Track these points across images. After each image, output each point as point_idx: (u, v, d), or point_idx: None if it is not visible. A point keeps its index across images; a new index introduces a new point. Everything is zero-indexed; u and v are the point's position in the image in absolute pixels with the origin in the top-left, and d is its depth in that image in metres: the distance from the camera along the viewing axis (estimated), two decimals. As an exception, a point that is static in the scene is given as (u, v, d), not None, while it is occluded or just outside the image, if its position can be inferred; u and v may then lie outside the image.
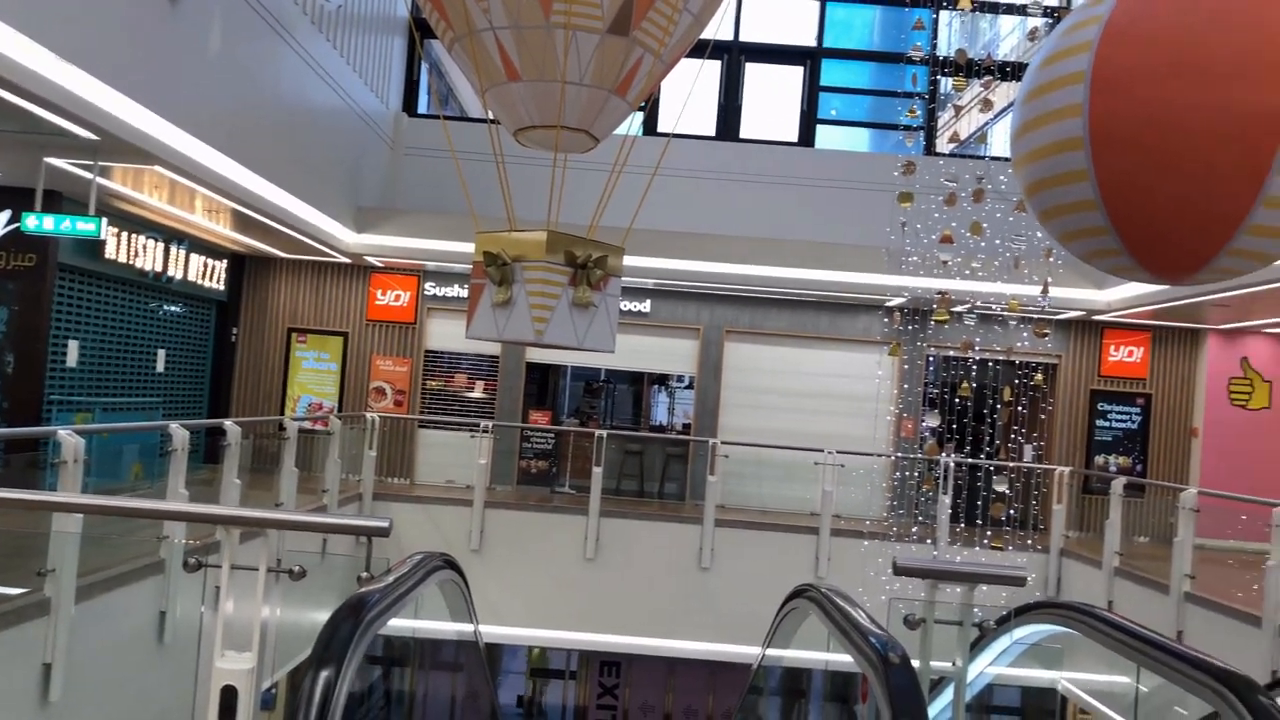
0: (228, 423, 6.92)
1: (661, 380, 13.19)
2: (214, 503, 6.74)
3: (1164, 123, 3.92)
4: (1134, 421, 11.85)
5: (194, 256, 10.43)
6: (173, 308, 10.60)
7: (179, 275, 10.11)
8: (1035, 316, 9.49)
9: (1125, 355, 11.86)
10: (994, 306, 9.04)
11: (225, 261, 11.26)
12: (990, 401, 9.85)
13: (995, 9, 9.13)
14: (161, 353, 10.34)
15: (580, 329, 7.39)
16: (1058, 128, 4.21)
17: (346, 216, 10.48)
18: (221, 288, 11.26)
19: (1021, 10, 8.56)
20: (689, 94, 8.47)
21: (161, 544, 5.73)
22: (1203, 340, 11.85)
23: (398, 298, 11.83)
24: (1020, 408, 9.67)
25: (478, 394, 12.10)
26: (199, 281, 10.65)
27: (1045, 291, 8.54)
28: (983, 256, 8.99)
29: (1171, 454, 11.87)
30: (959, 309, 10.39)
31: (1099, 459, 11.80)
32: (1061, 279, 10.10)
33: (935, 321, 8.71)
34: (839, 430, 11.56)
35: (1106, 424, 11.84)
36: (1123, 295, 10.51)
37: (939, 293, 8.50)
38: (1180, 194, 4.02)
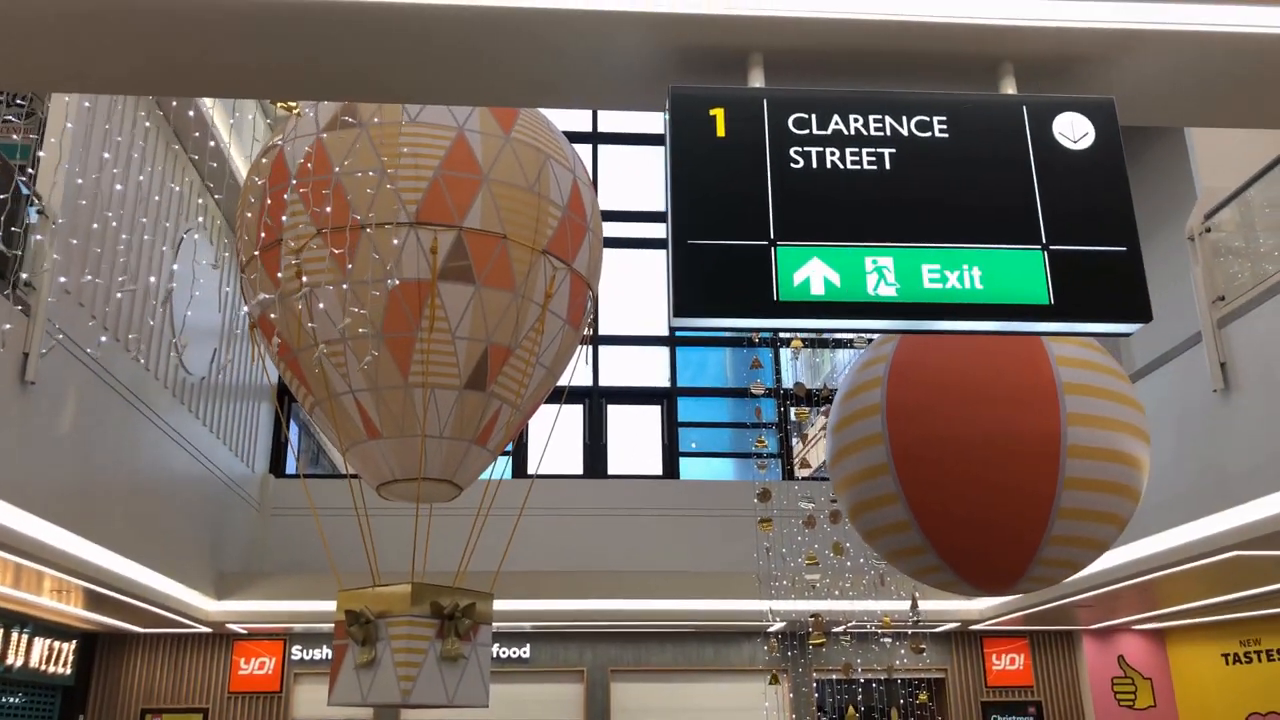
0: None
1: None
2: None
3: (955, 448, 4.30)
4: (1029, 731, 11.71)
5: (38, 640, 9.81)
6: (10, 699, 9.78)
7: (19, 663, 9.43)
8: (910, 631, 9.59)
9: (1008, 664, 11.92)
10: (868, 625, 9.13)
11: (74, 642, 10.60)
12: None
13: (824, 344, 10.01)
14: (-7, 751, 9.43)
15: (450, 685, 7.16)
16: (865, 455, 4.56)
17: (207, 584, 10.14)
18: (68, 671, 10.50)
19: (849, 344, 9.41)
20: (549, 437, 8.81)
21: None
22: (1079, 641, 12.06)
23: (262, 665, 11.21)
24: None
25: (351, 765, 11.24)
26: (42, 668, 9.94)
27: (914, 606, 8.72)
28: (849, 575, 9.20)
29: (1071, 762, 11.67)
30: (836, 630, 10.43)
31: (1002, 775, 11.50)
32: (930, 591, 10.32)
33: (812, 645, 8.72)
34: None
35: (1002, 736, 11.66)
36: (992, 603, 10.76)
37: (812, 615, 8.59)
38: (982, 512, 4.33)
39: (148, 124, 8.19)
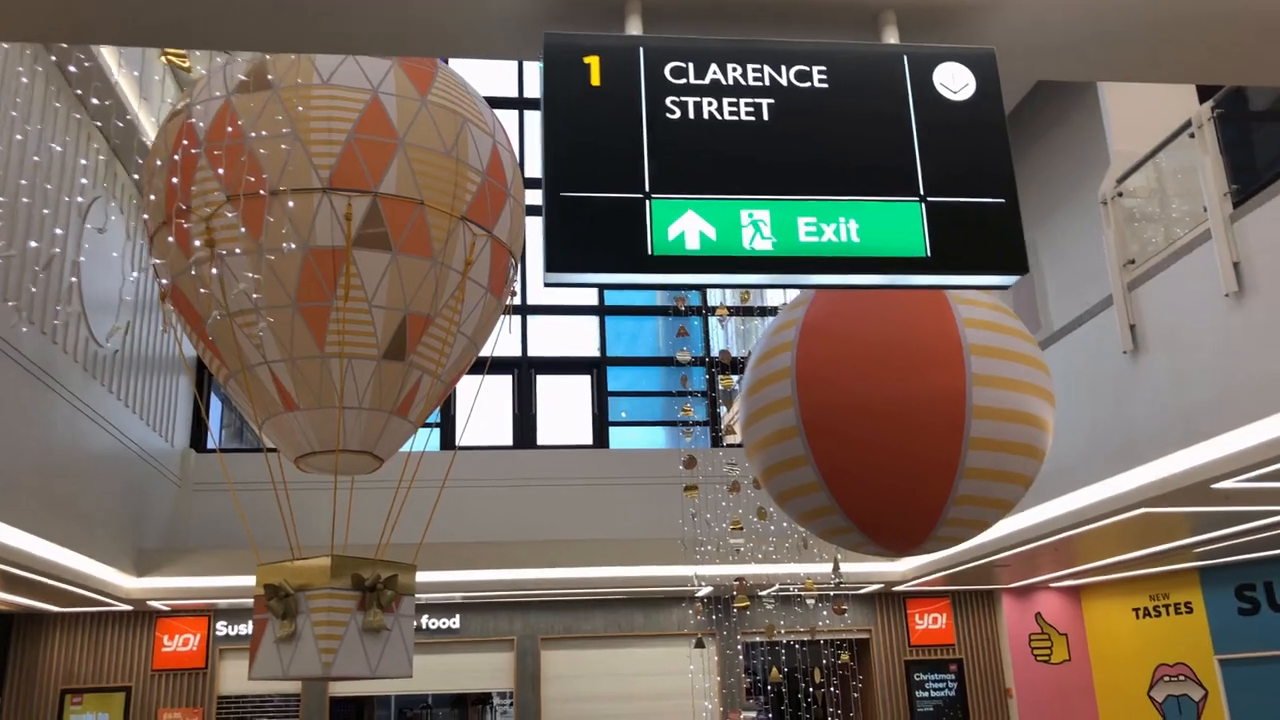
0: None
1: (484, 699, 12.54)
2: None
3: (862, 412, 4.34)
4: (951, 689, 12.00)
5: (-51, 622, 9.53)
6: (-80, 682, 9.50)
7: (-72, 645, 9.17)
8: (832, 593, 9.73)
9: (931, 623, 12.20)
10: (791, 588, 9.26)
11: (-12, 623, 10.33)
12: (802, 685, 9.83)
13: (749, 312, 10.06)
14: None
15: (373, 656, 7.10)
16: (776, 418, 4.59)
17: (126, 562, 9.91)
18: (-18, 653, 10.24)
19: (774, 311, 9.45)
20: (471, 408, 8.75)
21: None
22: (998, 600, 12.38)
23: (186, 642, 11.02)
24: (832, 688, 9.68)
25: (280, 740, 11.14)
26: (-46, 649, 9.67)
27: (836, 568, 8.85)
28: (773, 539, 9.30)
29: (992, 718, 12.00)
30: (764, 593, 10.56)
31: (925, 731, 11.78)
32: (853, 554, 10.48)
33: (736, 608, 8.82)
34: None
35: (926, 694, 11.94)
36: (914, 564, 10.98)
37: (736, 579, 8.68)
38: (889, 473, 4.38)
39: (25, 79, 7.74)
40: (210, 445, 12.06)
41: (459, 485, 11.77)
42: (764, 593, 10.58)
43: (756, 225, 2.60)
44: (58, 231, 8.23)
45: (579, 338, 12.90)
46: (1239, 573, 10.63)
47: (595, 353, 12.78)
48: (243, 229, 6.55)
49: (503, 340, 12.98)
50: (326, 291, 6.69)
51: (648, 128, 2.66)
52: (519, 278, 12.89)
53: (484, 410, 12.31)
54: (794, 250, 2.62)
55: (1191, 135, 6.26)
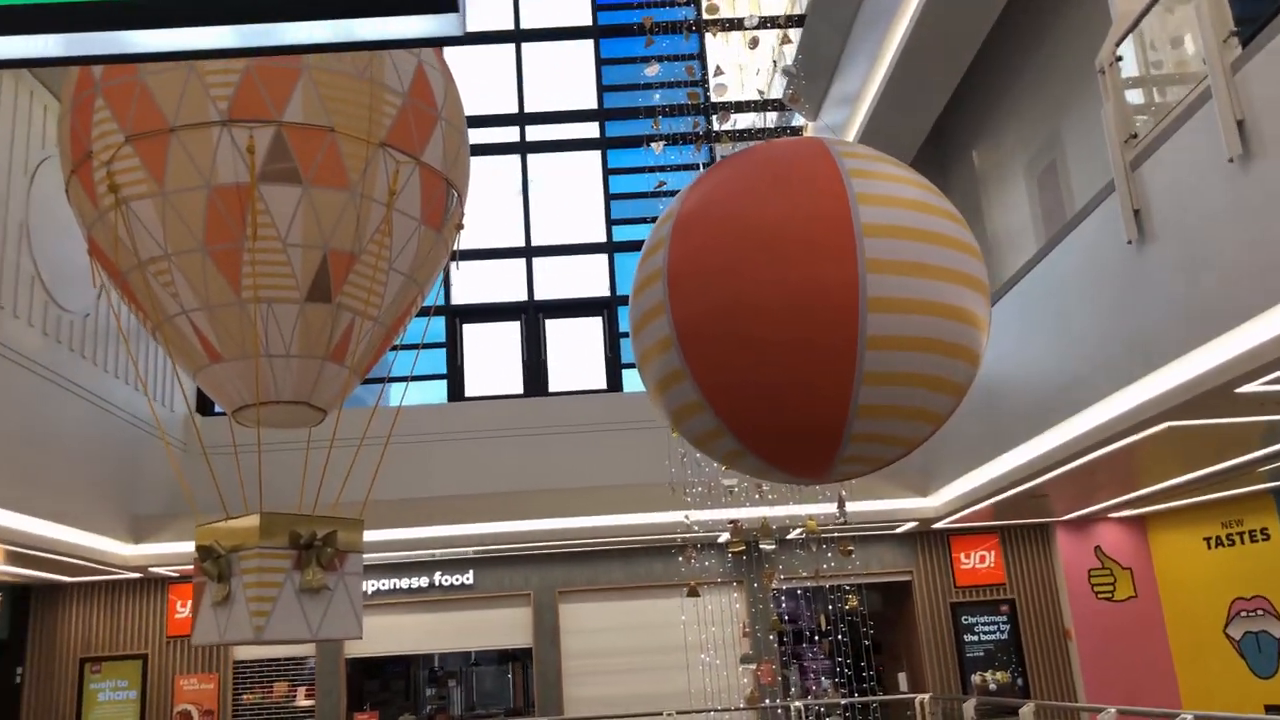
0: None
1: (514, 656, 12.19)
2: None
3: (736, 313, 3.60)
4: (1003, 631, 11.15)
5: (-45, 596, 9.53)
6: (-67, 656, 9.55)
7: (-68, 619, 9.17)
8: (857, 534, 8.99)
9: (978, 561, 11.33)
10: (793, 530, 8.56)
11: (1, 595, 10.32)
12: (806, 633, 9.12)
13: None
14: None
15: (313, 617, 6.62)
16: (653, 327, 3.90)
17: (120, 529, 9.75)
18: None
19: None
20: (417, 354, 8.25)
21: None
22: (1052, 534, 11.42)
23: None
24: (839, 635, 8.96)
25: (304, 701, 10.97)
26: (-35, 623, 9.69)
27: (842, 507, 8.11)
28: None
29: (1050, 661, 11.11)
30: (787, 537, 9.87)
31: (975, 677, 10.97)
32: (875, 490, 9.68)
33: (730, 553, 8.16)
34: (694, 686, 10.61)
35: (975, 637, 11.11)
36: (948, 499, 10.12)
37: (730, 521, 8.03)
38: (774, 386, 3.62)
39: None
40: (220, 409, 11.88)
41: (468, 437, 11.36)
42: (788, 536, 9.89)
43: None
44: None
45: (589, 278, 12.26)
46: (1318, 493, 9.52)
47: (605, 292, 12.14)
48: (145, 172, 6.13)
49: (509, 285, 12.40)
50: (235, 232, 6.21)
51: None
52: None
53: (492, 358, 11.85)
54: None
55: (1192, -26, 5.24)
